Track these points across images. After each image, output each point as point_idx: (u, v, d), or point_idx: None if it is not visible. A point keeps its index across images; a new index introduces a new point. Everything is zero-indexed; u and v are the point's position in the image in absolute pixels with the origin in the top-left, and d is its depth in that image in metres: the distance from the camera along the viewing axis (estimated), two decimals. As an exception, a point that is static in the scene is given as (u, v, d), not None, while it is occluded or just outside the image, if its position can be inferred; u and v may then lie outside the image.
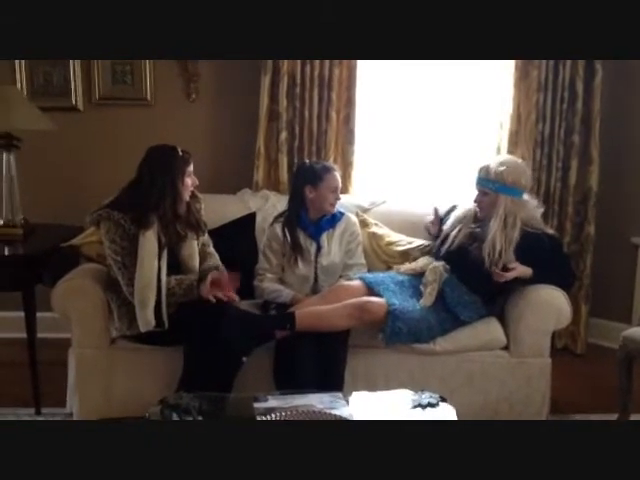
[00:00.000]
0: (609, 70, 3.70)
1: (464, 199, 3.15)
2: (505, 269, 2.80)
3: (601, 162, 3.76)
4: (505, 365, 2.90)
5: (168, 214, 2.73)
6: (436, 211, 3.26)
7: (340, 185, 3.11)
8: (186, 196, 2.81)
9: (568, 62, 3.66)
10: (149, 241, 2.64)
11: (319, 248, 3.06)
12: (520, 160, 3.09)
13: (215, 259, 2.94)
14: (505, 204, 2.88)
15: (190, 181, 2.80)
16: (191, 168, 2.81)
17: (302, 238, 3.05)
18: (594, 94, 3.69)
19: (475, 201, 3.00)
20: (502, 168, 2.90)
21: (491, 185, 2.91)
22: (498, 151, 3.72)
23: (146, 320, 2.62)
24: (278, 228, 3.08)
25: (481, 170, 2.96)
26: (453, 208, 3.19)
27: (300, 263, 3.04)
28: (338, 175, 3.10)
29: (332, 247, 3.09)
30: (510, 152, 3.63)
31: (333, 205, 3.08)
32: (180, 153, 2.77)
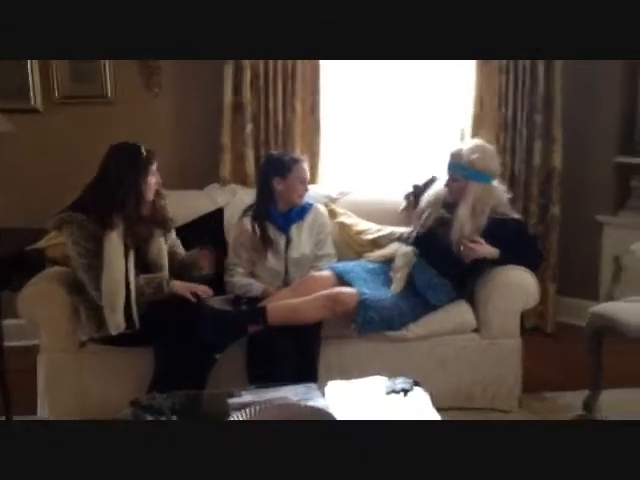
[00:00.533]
0: (568, 51, 3.73)
1: (438, 181, 3.17)
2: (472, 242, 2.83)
3: (564, 142, 3.81)
4: (476, 347, 2.94)
5: (132, 214, 2.69)
6: (415, 186, 3.29)
7: (308, 176, 3.11)
8: (150, 195, 2.77)
9: (528, 45, 3.68)
10: (114, 242, 2.61)
11: (289, 241, 3.06)
12: (489, 145, 3.12)
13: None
14: (475, 191, 2.92)
15: (154, 180, 2.77)
16: (154, 167, 2.76)
17: (271, 231, 3.05)
18: (555, 75, 3.73)
19: (445, 185, 3.02)
20: (474, 156, 2.93)
21: (462, 171, 2.93)
22: (462, 135, 3.74)
23: (116, 322, 2.59)
24: (247, 222, 3.07)
25: (453, 156, 2.99)
26: (433, 179, 3.21)
27: (270, 256, 3.04)
28: (306, 166, 3.09)
29: (302, 239, 3.08)
30: (474, 136, 3.65)
31: (302, 196, 3.08)
32: (143, 152, 2.73)
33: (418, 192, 3.28)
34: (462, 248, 2.83)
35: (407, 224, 3.25)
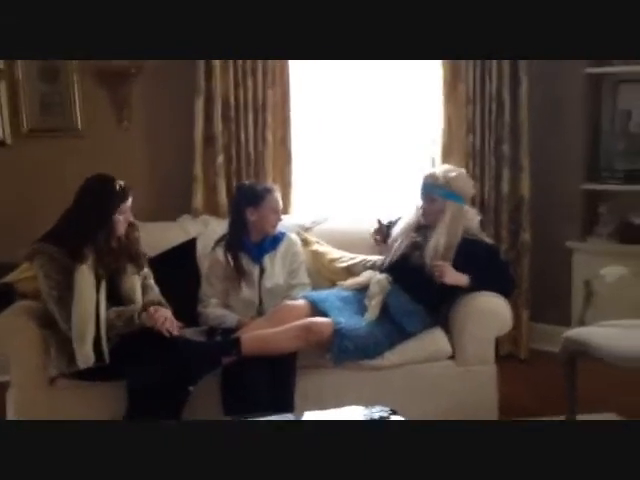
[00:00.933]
0: (534, 79, 3.82)
1: (405, 211, 3.19)
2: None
3: (531, 170, 3.87)
4: (452, 375, 2.94)
5: (102, 247, 2.66)
6: (379, 221, 3.30)
7: (281, 205, 3.11)
8: (121, 230, 2.73)
9: (494, 74, 3.77)
10: (85, 275, 2.57)
11: (262, 270, 3.05)
12: (462, 169, 3.18)
13: (155, 292, 2.86)
14: (452, 210, 2.96)
15: (123, 218, 2.71)
16: (129, 203, 2.73)
17: (244, 261, 3.03)
18: (520, 104, 3.81)
19: (422, 208, 3.04)
20: (451, 175, 3.00)
21: (439, 191, 2.98)
22: (433, 163, 3.80)
23: (85, 355, 2.55)
24: (220, 252, 3.05)
25: (428, 177, 3.03)
26: (398, 220, 3.23)
27: (244, 287, 3.02)
28: (278, 195, 3.09)
29: (275, 269, 3.07)
30: (444, 164, 3.70)
31: (274, 226, 3.08)
32: (117, 186, 2.69)
33: (387, 227, 3.29)
34: (433, 269, 2.86)
35: (380, 252, 3.26)
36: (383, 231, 3.29)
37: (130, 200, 2.74)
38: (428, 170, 3.12)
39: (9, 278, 2.91)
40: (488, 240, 3.14)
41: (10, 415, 2.75)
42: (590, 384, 2.97)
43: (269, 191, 3.06)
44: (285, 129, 3.71)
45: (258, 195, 3.03)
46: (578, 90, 3.87)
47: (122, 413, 2.55)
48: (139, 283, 2.81)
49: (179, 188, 3.68)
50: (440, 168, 3.10)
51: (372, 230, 3.33)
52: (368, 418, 2.25)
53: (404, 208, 3.32)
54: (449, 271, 2.89)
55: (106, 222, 2.66)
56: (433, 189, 3.00)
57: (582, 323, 3.04)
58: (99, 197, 2.67)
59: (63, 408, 2.68)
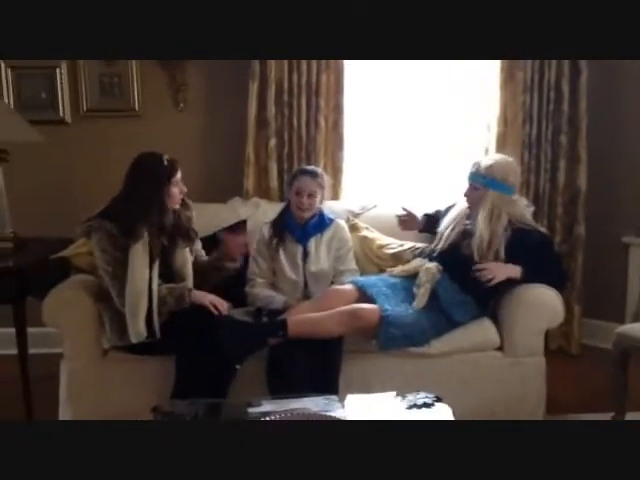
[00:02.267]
0: (594, 70, 3.72)
1: (457, 199, 3.16)
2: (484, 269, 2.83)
3: (589, 162, 3.78)
4: (499, 365, 2.90)
5: (156, 223, 2.70)
6: (404, 209, 3.28)
7: (313, 189, 3.01)
8: (173, 205, 2.78)
9: (553, 63, 3.69)
10: (138, 252, 2.62)
11: (306, 254, 3.05)
12: (511, 158, 3.12)
13: None
14: (492, 199, 2.91)
15: (177, 190, 2.77)
16: (178, 176, 2.77)
17: (288, 242, 3.05)
18: (580, 94, 3.71)
19: (465, 195, 3.01)
20: (491, 163, 2.96)
21: (480, 179, 2.94)
22: (486, 153, 3.73)
23: (138, 331, 2.60)
24: (266, 230, 3.08)
25: (473, 165, 3.01)
26: (452, 206, 3.20)
27: (288, 268, 3.04)
28: (310, 180, 3.02)
29: (320, 254, 3.08)
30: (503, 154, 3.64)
31: (301, 209, 3.04)
32: (165, 161, 2.74)
33: (436, 217, 3.26)
34: (480, 276, 2.82)
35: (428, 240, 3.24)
36: (413, 218, 3.26)
37: (179, 173, 2.77)
38: (476, 159, 3.07)
39: (65, 252, 2.99)
40: (542, 230, 3.08)
41: (63, 386, 2.83)
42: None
43: (300, 173, 3.08)
44: (338, 114, 3.70)
45: (292, 178, 3.09)
46: (638, 81, 3.75)
47: (169, 388, 2.59)
48: (190, 259, 2.86)
49: (231, 170, 3.72)
50: (488, 156, 3.06)
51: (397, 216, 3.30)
52: (412, 404, 2.25)
53: (456, 197, 3.27)
54: (497, 269, 2.84)
55: (157, 197, 2.70)
56: (475, 177, 2.97)
57: (637, 319, 2.96)
58: (147, 173, 2.71)
59: (113, 380, 2.76)
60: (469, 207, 3.02)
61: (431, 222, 3.25)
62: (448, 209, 3.19)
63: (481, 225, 2.89)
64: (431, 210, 3.33)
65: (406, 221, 3.29)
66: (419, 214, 3.30)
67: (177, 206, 2.81)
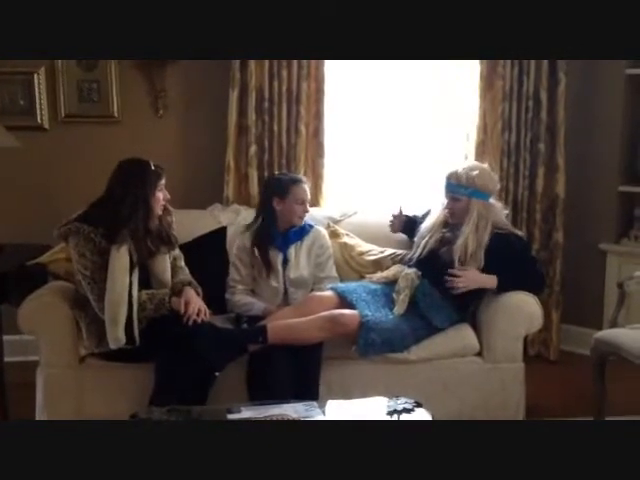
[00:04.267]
0: (572, 79, 3.76)
1: (436, 206, 3.17)
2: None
3: (567, 169, 3.82)
4: (479, 371, 2.91)
5: (140, 229, 2.69)
6: (401, 209, 3.30)
7: (309, 197, 3.11)
8: (158, 210, 2.78)
9: (532, 72, 3.72)
10: (121, 256, 2.60)
11: (286, 261, 3.05)
12: (486, 165, 3.15)
13: (185, 273, 2.90)
14: (477, 208, 2.92)
15: (162, 195, 2.78)
16: (163, 182, 2.79)
17: (270, 249, 3.04)
18: (558, 103, 3.76)
19: (447, 208, 3.01)
20: (474, 173, 2.95)
21: (463, 190, 2.94)
22: (466, 160, 3.75)
23: (116, 337, 2.57)
24: (246, 239, 3.07)
25: (450, 176, 2.99)
26: (428, 213, 3.21)
27: (269, 275, 3.03)
28: (306, 187, 3.09)
29: (300, 260, 3.08)
30: (478, 161, 3.66)
31: (301, 218, 3.08)
32: (152, 167, 2.75)
33: (408, 218, 3.29)
34: (450, 283, 2.85)
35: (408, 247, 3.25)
36: (401, 219, 3.28)
37: (164, 180, 2.79)
38: (450, 169, 3.06)
39: (42, 259, 2.96)
40: (518, 232, 3.10)
41: (39, 394, 2.79)
42: (619, 388, 2.94)
43: (295, 182, 3.06)
44: (318, 122, 3.70)
45: (284, 186, 3.05)
46: (617, 91, 3.80)
47: (148, 395, 2.57)
48: (169, 265, 2.84)
49: (211, 177, 3.71)
50: (462, 166, 3.04)
51: (392, 214, 3.32)
52: (392, 410, 2.25)
53: (434, 204, 3.28)
54: (472, 278, 2.86)
55: (143, 202, 2.69)
56: (457, 189, 2.96)
57: (614, 325, 2.99)
58: (135, 178, 2.70)
59: (90, 387, 2.73)
60: (452, 218, 3.01)
61: (409, 225, 3.27)
62: (424, 216, 3.21)
63: (468, 236, 2.89)
64: (410, 214, 3.35)
65: (394, 223, 3.31)
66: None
67: (160, 212, 2.80)
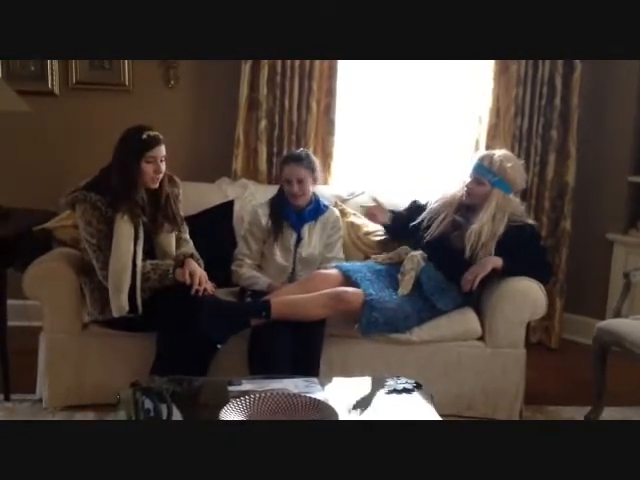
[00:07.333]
0: (587, 66, 3.72)
1: (430, 199, 3.15)
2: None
3: (578, 158, 3.79)
4: (480, 355, 2.91)
5: (136, 197, 2.64)
6: (375, 200, 3.30)
7: (301, 175, 2.99)
8: (146, 183, 2.68)
9: (547, 57, 3.68)
10: (126, 224, 2.59)
11: (299, 239, 3.04)
12: (521, 161, 3.12)
13: (189, 246, 2.88)
14: (497, 200, 2.90)
15: (151, 168, 2.65)
16: (155, 153, 2.65)
17: (284, 226, 3.04)
18: (572, 90, 3.72)
19: (467, 187, 2.98)
20: (508, 164, 2.91)
21: (490, 177, 2.91)
22: (477, 144, 3.73)
23: (119, 305, 2.58)
24: (262, 213, 3.05)
25: (484, 158, 2.95)
26: (423, 206, 3.17)
27: (279, 252, 3.02)
28: (298, 165, 3.00)
29: (313, 239, 3.07)
30: (488, 146, 3.64)
31: (295, 196, 3.02)
32: (145, 136, 2.63)
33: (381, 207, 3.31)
34: (463, 286, 2.87)
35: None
36: (382, 212, 3.30)
37: (158, 150, 2.65)
38: (486, 151, 3.02)
39: (48, 225, 2.96)
40: (531, 221, 3.07)
41: (41, 358, 2.81)
42: (619, 378, 2.94)
43: (286, 161, 3.05)
44: (330, 99, 3.67)
45: (281, 165, 3.07)
46: (631, 80, 3.76)
47: (149, 364, 2.58)
48: (174, 237, 2.83)
49: (220, 150, 3.69)
50: (499, 152, 2.99)
51: (369, 208, 3.34)
52: (392, 389, 2.25)
53: (440, 186, 3.26)
54: (482, 268, 2.85)
55: (129, 170, 2.63)
56: (485, 173, 2.91)
57: (618, 315, 2.98)
58: (125, 146, 2.65)
59: (92, 355, 2.75)
60: (468, 199, 2.97)
61: (397, 222, 3.24)
62: (419, 208, 3.17)
63: (483, 225, 2.87)
64: (399, 208, 3.32)
65: (373, 214, 3.30)
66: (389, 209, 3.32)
67: (154, 185, 2.71)
